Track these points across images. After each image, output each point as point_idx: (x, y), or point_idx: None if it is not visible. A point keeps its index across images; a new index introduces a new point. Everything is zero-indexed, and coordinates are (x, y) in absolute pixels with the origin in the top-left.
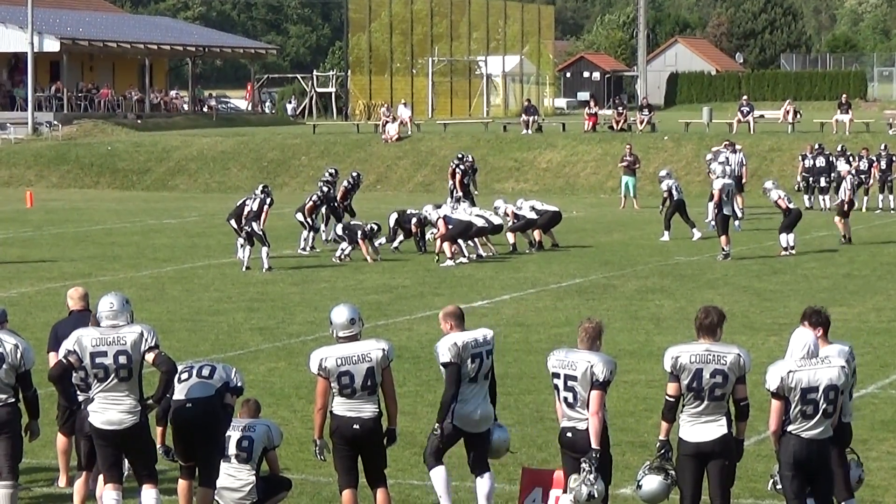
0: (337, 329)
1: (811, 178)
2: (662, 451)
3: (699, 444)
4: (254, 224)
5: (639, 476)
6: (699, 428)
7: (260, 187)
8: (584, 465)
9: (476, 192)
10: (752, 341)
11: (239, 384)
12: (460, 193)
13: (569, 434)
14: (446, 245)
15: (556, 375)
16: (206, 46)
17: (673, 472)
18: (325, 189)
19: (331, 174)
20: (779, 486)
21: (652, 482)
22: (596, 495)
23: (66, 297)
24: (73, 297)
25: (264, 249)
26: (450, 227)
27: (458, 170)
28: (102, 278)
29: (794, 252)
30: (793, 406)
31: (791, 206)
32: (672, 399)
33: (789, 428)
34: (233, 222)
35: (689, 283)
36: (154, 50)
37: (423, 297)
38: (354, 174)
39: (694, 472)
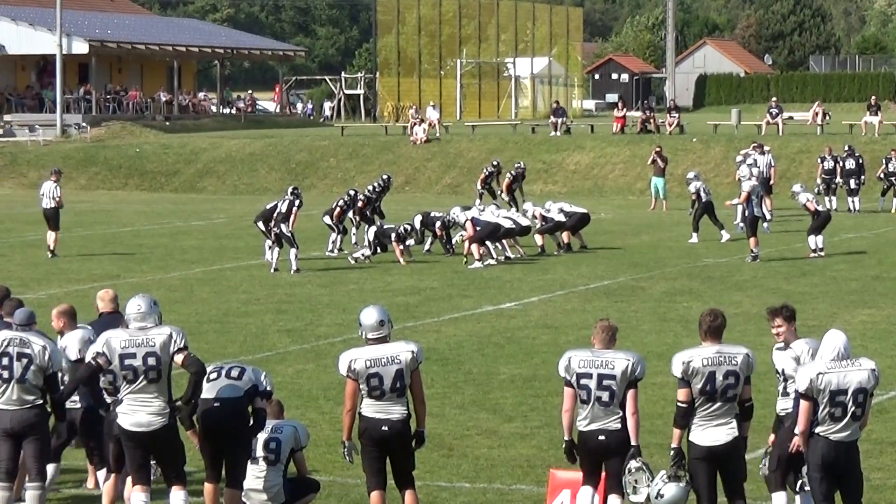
0: (366, 331)
1: (832, 180)
2: (677, 459)
3: (712, 447)
4: (282, 226)
5: (658, 486)
6: (711, 431)
7: (290, 189)
8: (636, 463)
9: (521, 198)
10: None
11: (268, 388)
12: (506, 198)
13: (601, 437)
14: (474, 247)
15: (586, 376)
16: (234, 48)
17: (688, 477)
18: (352, 193)
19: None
20: (807, 488)
21: (672, 489)
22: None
23: (97, 299)
24: (103, 298)
25: (293, 251)
26: (478, 228)
27: (508, 175)
28: (130, 280)
29: (822, 254)
30: (821, 408)
31: (819, 208)
32: (685, 405)
33: (817, 430)
34: (261, 224)
35: (717, 284)
36: (182, 52)
37: (452, 299)
38: (384, 177)
39: (708, 474)
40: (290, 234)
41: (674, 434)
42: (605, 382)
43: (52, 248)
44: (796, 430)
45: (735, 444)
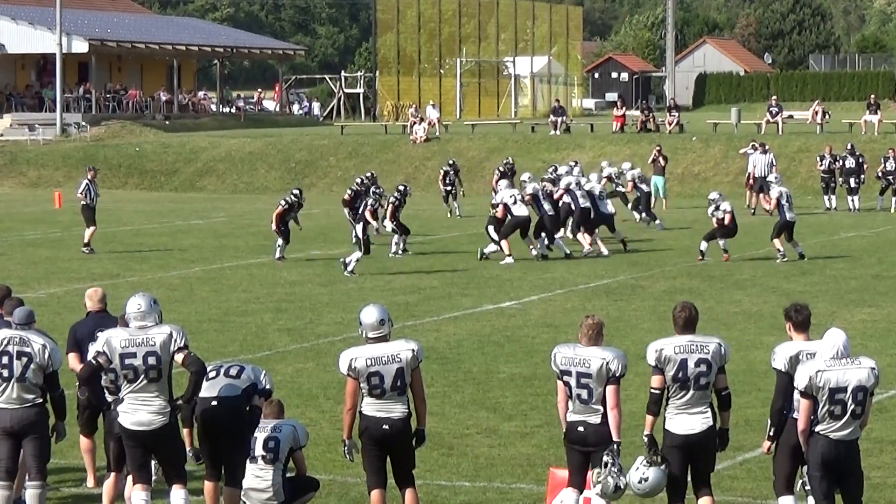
0: (366, 329)
1: (831, 179)
2: (651, 446)
3: (687, 435)
4: (357, 227)
5: (640, 472)
6: (686, 419)
7: (372, 188)
8: (606, 458)
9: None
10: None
11: (267, 386)
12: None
13: (580, 428)
14: (504, 242)
15: (567, 373)
16: (234, 47)
17: (665, 460)
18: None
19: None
20: (808, 487)
21: (655, 472)
22: (622, 486)
23: (85, 297)
24: (91, 297)
25: (357, 254)
26: (508, 216)
27: (496, 171)
28: (130, 279)
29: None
30: (821, 406)
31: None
32: (657, 392)
33: (817, 428)
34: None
35: (717, 283)
36: (182, 51)
37: (451, 298)
38: (401, 187)
39: (680, 462)
40: (365, 238)
41: (646, 421)
42: (583, 381)
43: (87, 242)
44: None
45: (709, 433)
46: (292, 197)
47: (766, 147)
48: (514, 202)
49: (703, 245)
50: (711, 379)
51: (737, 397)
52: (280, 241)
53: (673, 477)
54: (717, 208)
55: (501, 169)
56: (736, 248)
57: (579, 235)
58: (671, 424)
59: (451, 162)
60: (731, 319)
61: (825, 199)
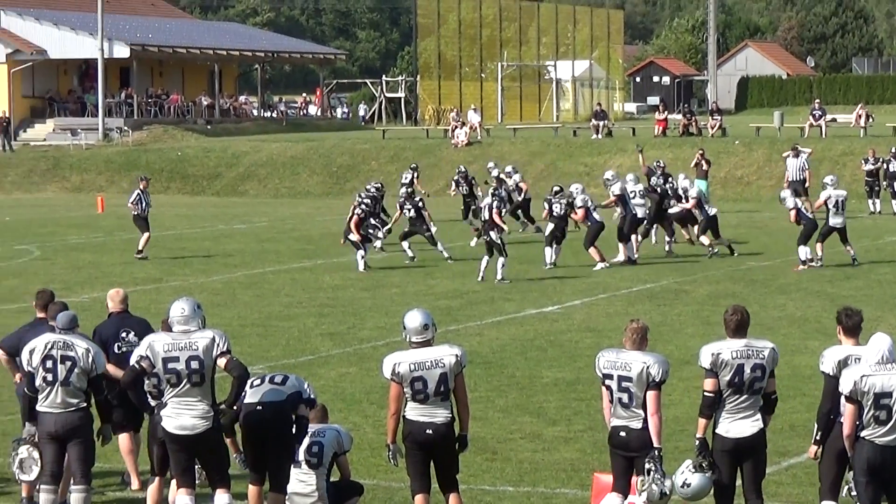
0: (410, 334)
1: (875, 183)
2: (702, 449)
3: (738, 439)
4: (492, 233)
5: (684, 476)
6: (737, 424)
7: (491, 191)
8: (648, 465)
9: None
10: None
11: (312, 396)
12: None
13: (622, 434)
14: (592, 250)
15: (609, 377)
16: (275, 52)
17: (714, 467)
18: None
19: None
20: (854, 493)
21: (698, 479)
22: (667, 492)
23: (107, 298)
24: (113, 298)
25: (501, 259)
26: (588, 219)
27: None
28: (173, 283)
29: (817, 264)
30: (866, 411)
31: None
32: (711, 395)
33: (863, 433)
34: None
35: (760, 288)
36: (223, 56)
37: (494, 303)
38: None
39: (730, 466)
40: (500, 242)
41: (699, 424)
42: (624, 384)
43: (140, 249)
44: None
45: (760, 436)
46: (365, 198)
47: (799, 150)
48: (594, 208)
49: (804, 251)
50: (765, 384)
51: (782, 402)
52: (361, 252)
53: (721, 482)
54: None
55: (455, 178)
56: (778, 253)
57: (703, 238)
58: (722, 429)
59: (461, 170)
60: (775, 324)
61: (869, 203)
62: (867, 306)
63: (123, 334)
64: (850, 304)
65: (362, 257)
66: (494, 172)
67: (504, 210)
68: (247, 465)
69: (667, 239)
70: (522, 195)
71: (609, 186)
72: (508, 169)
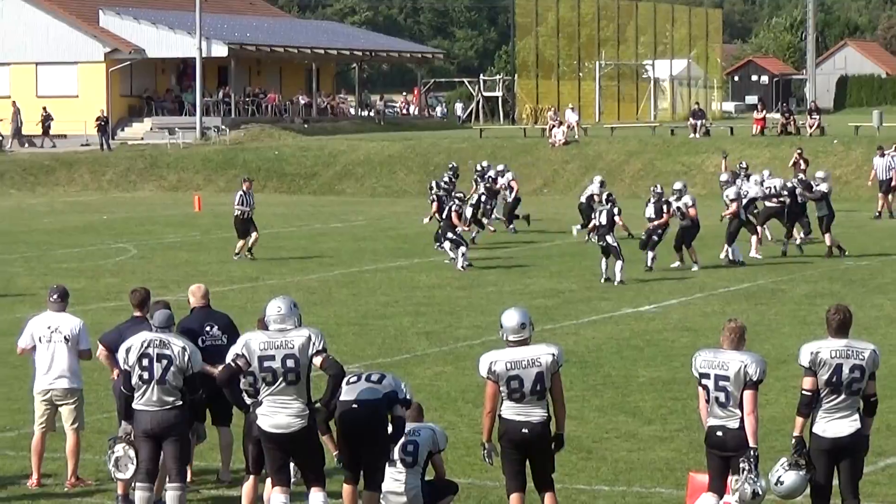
0: (507, 333)
1: None
2: (798, 447)
3: (835, 439)
4: (608, 238)
5: (778, 473)
6: (835, 423)
7: (604, 196)
8: (743, 464)
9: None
10: None
11: (408, 396)
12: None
13: (719, 433)
14: (690, 250)
15: (706, 376)
16: (372, 51)
17: (810, 465)
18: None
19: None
20: None
21: (792, 477)
22: (761, 493)
23: (188, 293)
24: (195, 294)
25: (619, 263)
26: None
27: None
28: (269, 282)
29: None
30: None
31: None
32: (809, 393)
33: None
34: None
35: (858, 287)
36: (321, 55)
37: (590, 302)
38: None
39: (827, 466)
40: (616, 246)
41: (796, 422)
42: (721, 383)
43: (249, 248)
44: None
45: (857, 436)
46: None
47: (885, 150)
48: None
49: None
50: (863, 385)
51: (879, 402)
52: (463, 249)
53: (818, 482)
54: None
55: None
56: (876, 250)
57: (826, 236)
58: (819, 428)
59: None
60: (872, 324)
61: None
62: None
63: (207, 328)
64: None
65: (464, 254)
66: (489, 171)
67: (491, 208)
68: (343, 464)
69: (786, 239)
70: (513, 194)
71: (724, 189)
72: (500, 167)
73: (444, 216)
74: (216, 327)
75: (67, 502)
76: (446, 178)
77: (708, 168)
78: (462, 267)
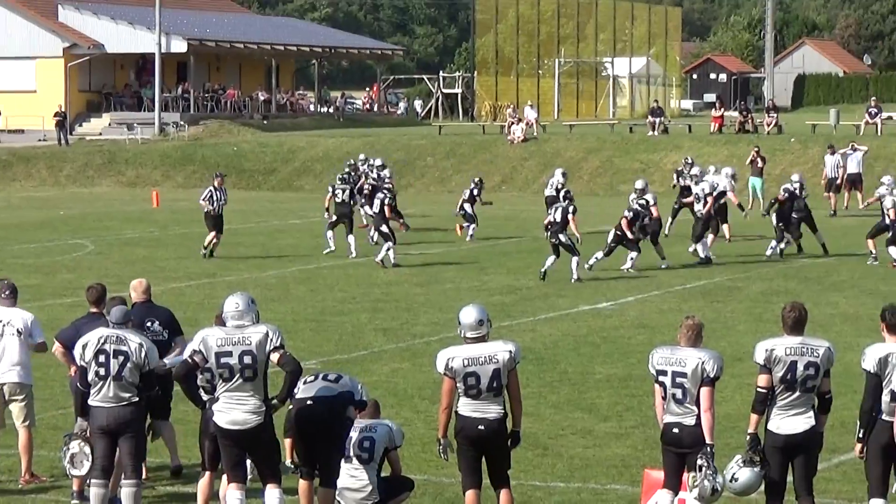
0: (465, 329)
1: None
2: (753, 444)
3: (789, 436)
4: (560, 236)
5: (733, 470)
6: (789, 420)
7: (562, 194)
8: (701, 461)
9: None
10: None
11: (364, 398)
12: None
13: (675, 430)
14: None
15: (663, 373)
16: (332, 47)
17: (764, 462)
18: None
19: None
20: None
21: (746, 473)
22: (719, 489)
23: (130, 288)
24: (136, 289)
25: (574, 259)
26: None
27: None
28: (227, 278)
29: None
30: None
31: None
32: (764, 391)
33: None
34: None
35: (814, 285)
36: (280, 51)
37: (548, 299)
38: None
39: (781, 463)
40: (569, 243)
41: (751, 419)
42: (678, 380)
43: (206, 245)
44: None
45: (812, 433)
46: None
47: (835, 148)
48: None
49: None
50: (818, 382)
51: (833, 399)
52: (390, 244)
53: (772, 478)
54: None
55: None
56: (833, 249)
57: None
58: (774, 425)
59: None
60: (827, 321)
61: None
62: None
63: (148, 323)
64: (895, 303)
65: (389, 248)
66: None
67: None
68: (294, 472)
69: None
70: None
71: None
72: (378, 162)
73: (376, 210)
74: (157, 322)
75: (22, 499)
76: (347, 170)
77: (666, 166)
78: (380, 261)
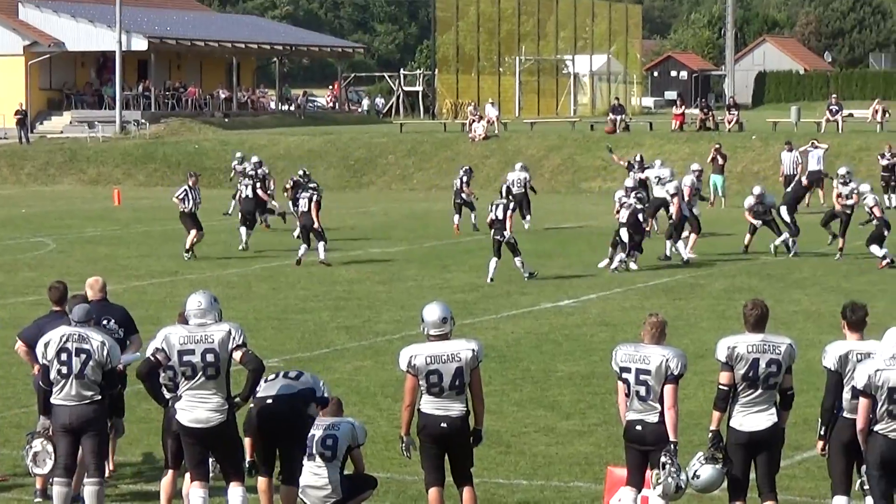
0: (428, 327)
1: (892, 178)
2: (715, 441)
3: (752, 433)
4: (505, 233)
5: (695, 467)
6: (752, 417)
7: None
8: (664, 458)
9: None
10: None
11: (325, 395)
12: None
13: (638, 427)
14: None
15: (626, 370)
16: (293, 45)
17: (726, 459)
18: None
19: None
20: (866, 487)
21: (708, 471)
22: (683, 486)
23: (86, 286)
24: (92, 287)
25: (517, 259)
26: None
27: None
28: (189, 276)
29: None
30: (879, 405)
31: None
32: (726, 388)
33: (876, 427)
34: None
35: (776, 282)
36: (241, 49)
37: (510, 296)
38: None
39: (744, 460)
40: (512, 241)
41: (713, 416)
42: (642, 377)
43: (188, 248)
44: (857, 428)
45: (774, 430)
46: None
47: (792, 145)
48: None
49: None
50: (780, 379)
51: (795, 396)
52: (322, 243)
53: (735, 475)
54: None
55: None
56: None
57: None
58: (736, 422)
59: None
60: (790, 318)
61: (885, 198)
62: (881, 301)
63: (104, 322)
64: (856, 299)
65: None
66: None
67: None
68: (252, 473)
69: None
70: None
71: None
72: (255, 160)
73: (304, 209)
74: (112, 320)
75: None
76: (301, 172)
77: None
78: (323, 261)
